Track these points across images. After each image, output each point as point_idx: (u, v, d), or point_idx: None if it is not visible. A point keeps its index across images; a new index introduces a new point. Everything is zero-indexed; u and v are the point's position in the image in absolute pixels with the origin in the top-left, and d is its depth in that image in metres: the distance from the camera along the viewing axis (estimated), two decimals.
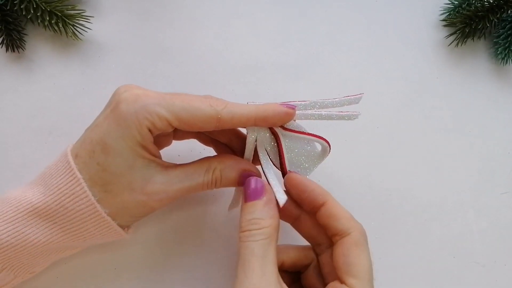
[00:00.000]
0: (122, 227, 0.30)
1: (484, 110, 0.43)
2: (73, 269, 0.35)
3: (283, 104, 0.30)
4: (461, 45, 0.44)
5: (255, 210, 0.28)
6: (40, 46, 0.41)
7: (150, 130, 0.28)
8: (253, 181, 0.29)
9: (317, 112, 0.31)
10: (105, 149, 0.28)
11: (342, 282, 0.27)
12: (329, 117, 0.31)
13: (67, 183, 0.28)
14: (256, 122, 0.29)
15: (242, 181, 0.30)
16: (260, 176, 0.31)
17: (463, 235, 0.39)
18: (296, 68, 0.42)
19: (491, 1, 0.42)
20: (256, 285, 0.25)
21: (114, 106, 0.28)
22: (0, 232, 0.28)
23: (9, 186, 0.37)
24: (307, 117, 0.31)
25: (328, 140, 0.32)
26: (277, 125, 0.30)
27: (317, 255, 0.32)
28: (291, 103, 0.30)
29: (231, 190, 0.34)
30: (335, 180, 0.39)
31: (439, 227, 0.39)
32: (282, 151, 0.31)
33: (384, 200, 0.39)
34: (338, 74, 0.43)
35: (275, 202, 0.29)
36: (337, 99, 0.31)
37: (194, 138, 0.35)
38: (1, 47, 0.40)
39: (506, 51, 0.42)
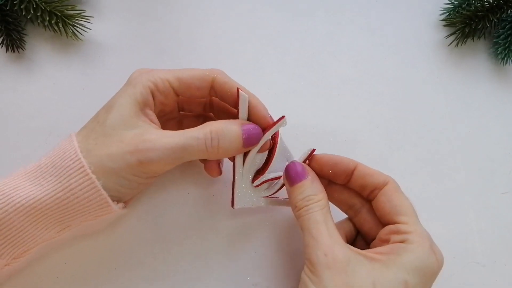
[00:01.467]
0: (112, 199, 0.29)
1: (484, 110, 0.43)
2: (73, 269, 0.35)
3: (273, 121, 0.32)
4: (461, 45, 0.44)
5: (305, 189, 0.30)
6: (40, 46, 0.41)
7: (152, 92, 0.30)
8: (294, 165, 0.32)
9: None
10: (107, 108, 0.30)
11: (393, 223, 0.30)
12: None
13: (61, 146, 0.29)
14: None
15: (246, 140, 0.31)
16: (260, 129, 0.32)
17: (463, 235, 0.39)
18: (296, 68, 0.42)
19: (491, 1, 0.42)
20: (328, 245, 0.28)
21: (127, 80, 0.32)
22: None
23: None
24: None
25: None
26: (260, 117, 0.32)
27: (351, 219, 0.34)
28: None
29: (229, 186, 0.34)
30: None
31: (439, 227, 0.39)
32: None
33: None
34: (338, 74, 0.43)
35: (318, 179, 0.32)
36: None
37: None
38: (1, 47, 0.40)
39: (506, 51, 0.42)
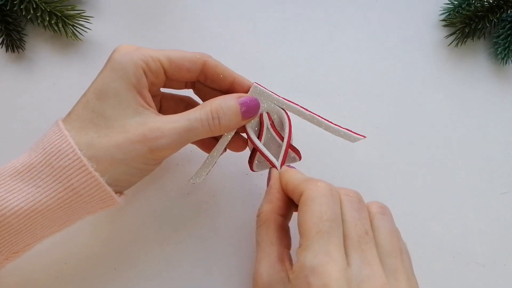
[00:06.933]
0: (115, 191, 0.29)
1: (484, 110, 0.43)
2: (73, 269, 0.35)
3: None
4: (461, 45, 0.44)
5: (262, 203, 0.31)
6: (40, 46, 0.41)
7: (144, 73, 0.29)
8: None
9: (325, 122, 0.33)
10: (100, 95, 0.28)
11: None
12: (336, 132, 0.33)
13: (53, 141, 0.27)
14: (234, 81, 0.32)
15: (245, 114, 0.31)
16: (257, 101, 0.32)
17: (463, 235, 0.39)
18: (296, 68, 0.42)
19: (491, 1, 0.42)
20: (256, 269, 0.28)
21: (108, 59, 0.29)
22: None
23: None
24: (316, 123, 0.34)
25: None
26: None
27: None
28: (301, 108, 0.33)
29: (229, 186, 0.34)
30: (335, 180, 0.39)
31: (439, 227, 0.39)
32: (291, 126, 0.33)
33: (384, 200, 0.39)
34: (338, 74, 0.43)
35: (274, 188, 0.31)
36: (340, 129, 0.34)
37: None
38: (1, 47, 0.40)
39: (506, 51, 0.42)
